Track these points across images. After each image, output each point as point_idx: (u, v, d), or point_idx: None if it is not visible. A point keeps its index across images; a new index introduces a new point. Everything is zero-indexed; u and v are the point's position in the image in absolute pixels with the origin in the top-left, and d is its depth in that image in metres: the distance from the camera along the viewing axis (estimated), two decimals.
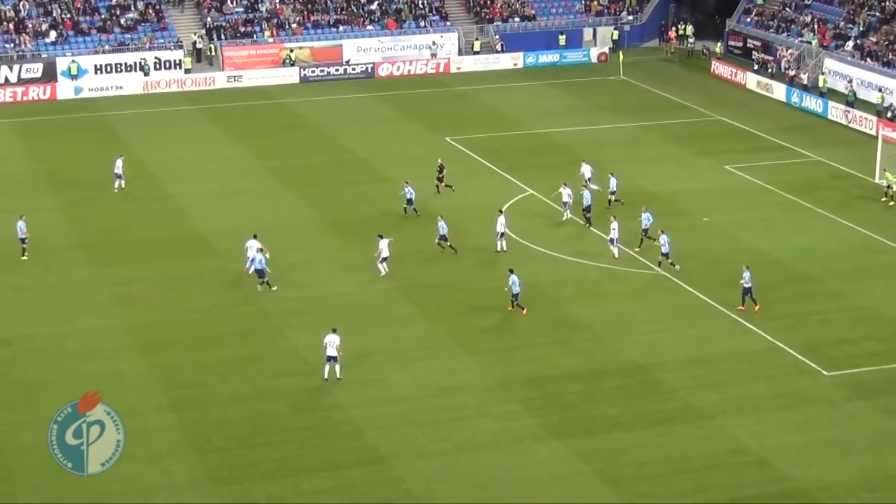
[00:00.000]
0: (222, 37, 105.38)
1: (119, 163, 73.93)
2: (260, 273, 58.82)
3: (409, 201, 68.42)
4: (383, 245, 60.22)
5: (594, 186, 70.22)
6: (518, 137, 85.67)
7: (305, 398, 48.74)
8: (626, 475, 43.51)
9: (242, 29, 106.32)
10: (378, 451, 44.99)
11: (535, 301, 57.80)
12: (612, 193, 70.02)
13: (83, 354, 52.72)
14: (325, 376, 49.41)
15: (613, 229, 62.38)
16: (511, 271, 56.51)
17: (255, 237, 60.38)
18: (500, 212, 64.50)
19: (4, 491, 42.62)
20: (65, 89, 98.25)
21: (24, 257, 63.14)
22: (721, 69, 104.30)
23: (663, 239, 60.96)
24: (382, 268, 60.30)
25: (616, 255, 62.41)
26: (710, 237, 66.13)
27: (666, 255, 60.88)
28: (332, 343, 49.22)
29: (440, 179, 72.70)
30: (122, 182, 73.69)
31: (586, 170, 71.57)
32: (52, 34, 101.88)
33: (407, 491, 42.74)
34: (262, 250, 59.14)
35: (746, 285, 56.26)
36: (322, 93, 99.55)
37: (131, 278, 60.78)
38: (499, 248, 63.31)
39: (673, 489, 42.75)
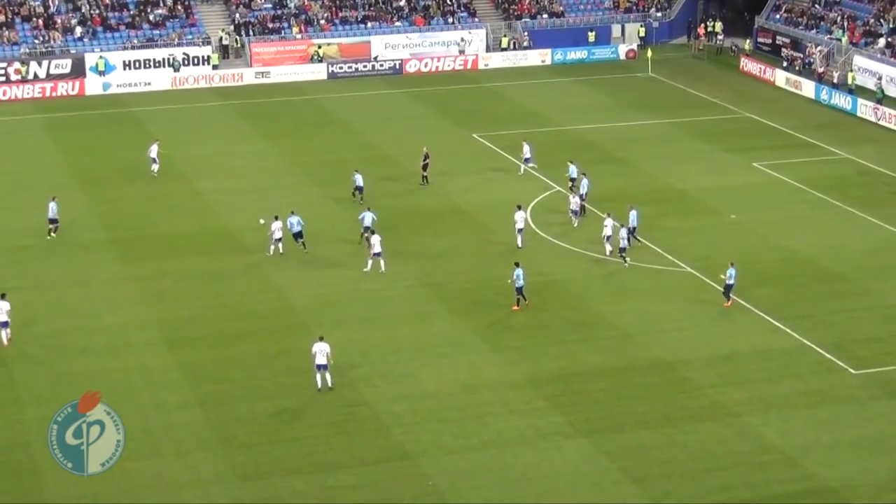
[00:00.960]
0: (250, 33, 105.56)
1: (154, 147, 75.79)
2: (299, 235, 62.46)
3: (359, 189, 70.12)
4: (375, 241, 60.45)
5: (532, 165, 74.23)
6: (546, 134, 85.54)
7: (331, 394, 48.73)
8: (652, 473, 43.43)
9: (270, 25, 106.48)
10: (404, 448, 45.03)
11: (562, 298, 57.80)
12: (572, 181, 71.06)
13: (111, 349, 52.92)
14: (318, 386, 48.80)
15: (606, 226, 62.25)
16: (517, 265, 56.59)
17: (276, 218, 62.50)
18: (519, 207, 64.60)
19: (32, 486, 42.80)
20: (93, 85, 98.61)
21: (50, 237, 64.96)
22: (750, 66, 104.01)
23: (623, 232, 61.28)
24: (382, 264, 60.47)
25: (608, 253, 62.30)
26: (737, 235, 65.91)
27: (623, 251, 61.29)
28: (321, 351, 48.53)
29: (424, 168, 73.07)
30: (156, 167, 75.47)
31: (526, 150, 75.29)
32: (79, 30, 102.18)
33: (432, 487, 42.75)
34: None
35: (729, 282, 56.35)
36: (350, 89, 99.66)
37: (159, 274, 60.98)
38: (519, 245, 63.39)
39: (699, 487, 42.65)
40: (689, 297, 58.00)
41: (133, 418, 44.80)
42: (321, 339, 49.13)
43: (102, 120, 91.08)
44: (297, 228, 62.80)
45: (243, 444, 45.26)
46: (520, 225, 63.58)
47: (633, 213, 63.40)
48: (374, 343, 52.91)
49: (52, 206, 65.26)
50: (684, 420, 46.80)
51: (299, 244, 62.69)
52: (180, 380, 50.03)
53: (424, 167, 73.39)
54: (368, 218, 63.32)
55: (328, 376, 48.86)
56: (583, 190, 68.68)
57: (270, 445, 45.15)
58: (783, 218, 68.58)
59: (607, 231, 62.12)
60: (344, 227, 66.83)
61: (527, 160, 75.32)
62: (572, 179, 70.16)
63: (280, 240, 62.52)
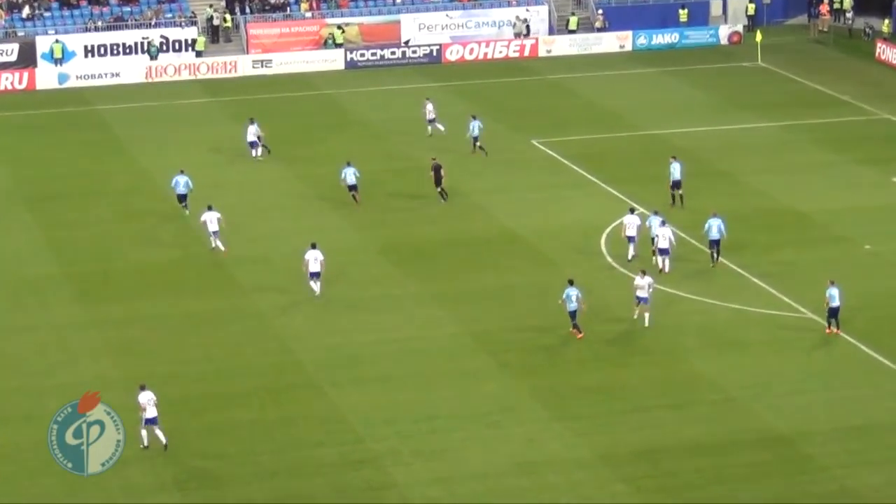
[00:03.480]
0: (247, 10, 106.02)
1: (252, 129, 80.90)
2: (183, 197, 71.50)
3: (252, 144, 79.38)
4: (310, 257, 61.52)
5: (440, 126, 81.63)
6: (625, 140, 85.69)
7: (350, 475, 48.70)
8: None
9: (273, 1, 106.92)
10: None
11: (646, 351, 57.72)
12: (475, 140, 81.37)
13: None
14: (146, 444, 49.50)
15: (629, 225, 65.65)
16: (570, 283, 57.33)
17: (209, 208, 66.99)
18: (632, 210, 66.55)
19: None
20: (46, 77, 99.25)
21: None
22: (888, 53, 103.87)
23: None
24: (315, 287, 61.84)
25: (663, 267, 64.40)
26: (873, 270, 65.77)
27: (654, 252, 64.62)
28: (151, 401, 49.29)
29: (438, 181, 74.25)
30: (260, 150, 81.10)
31: (429, 109, 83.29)
32: (28, 8, 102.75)
33: None
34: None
35: (832, 305, 57.46)
36: (374, 82, 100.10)
37: (128, 318, 61.16)
38: (630, 256, 65.35)
39: None
40: (810, 351, 57.82)
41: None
42: (144, 387, 49.56)
43: (58, 121, 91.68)
44: (182, 190, 71.31)
45: None
46: (630, 232, 65.39)
47: (714, 222, 64.35)
48: (404, 409, 52.88)
49: None
50: None
51: (181, 207, 71.26)
52: (155, 455, 50.05)
53: (437, 180, 73.95)
54: (351, 175, 67.19)
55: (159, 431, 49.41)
56: (676, 176, 71.22)
57: None
58: None
59: (630, 231, 65.34)
60: (367, 259, 66.93)
61: (432, 121, 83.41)
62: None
63: (216, 233, 66.35)
